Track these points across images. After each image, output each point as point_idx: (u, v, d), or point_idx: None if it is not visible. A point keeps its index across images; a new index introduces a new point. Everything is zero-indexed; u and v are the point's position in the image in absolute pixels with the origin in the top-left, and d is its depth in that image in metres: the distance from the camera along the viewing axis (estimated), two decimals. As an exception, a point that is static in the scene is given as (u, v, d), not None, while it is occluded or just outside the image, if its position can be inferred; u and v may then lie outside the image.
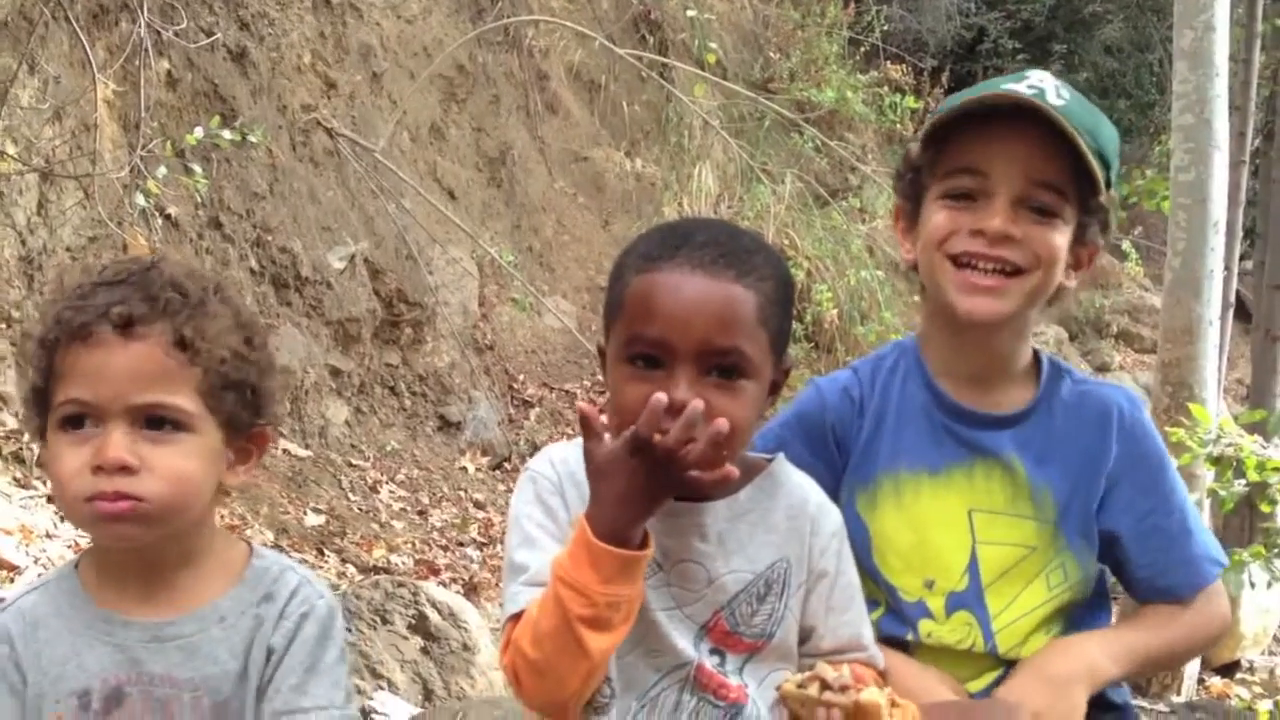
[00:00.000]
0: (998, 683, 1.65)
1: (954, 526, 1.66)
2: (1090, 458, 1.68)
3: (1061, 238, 1.62)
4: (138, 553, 1.36)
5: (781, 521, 1.49)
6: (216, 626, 1.37)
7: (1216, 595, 1.72)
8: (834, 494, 1.65)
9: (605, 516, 1.30)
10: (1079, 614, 1.71)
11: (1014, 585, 1.66)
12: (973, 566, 1.66)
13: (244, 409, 1.38)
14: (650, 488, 1.31)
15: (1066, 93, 1.62)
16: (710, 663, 1.45)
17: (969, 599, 1.65)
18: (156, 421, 1.32)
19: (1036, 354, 1.75)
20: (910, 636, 1.66)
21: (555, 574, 1.32)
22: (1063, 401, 1.70)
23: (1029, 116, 1.59)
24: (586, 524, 1.30)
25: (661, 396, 1.29)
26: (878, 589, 1.67)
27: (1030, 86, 1.61)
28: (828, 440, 1.69)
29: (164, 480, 1.31)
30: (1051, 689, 1.57)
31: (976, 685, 1.66)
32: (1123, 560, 1.71)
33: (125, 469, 1.29)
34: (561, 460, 1.47)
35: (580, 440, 1.46)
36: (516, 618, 1.39)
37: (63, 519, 3.17)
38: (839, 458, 1.69)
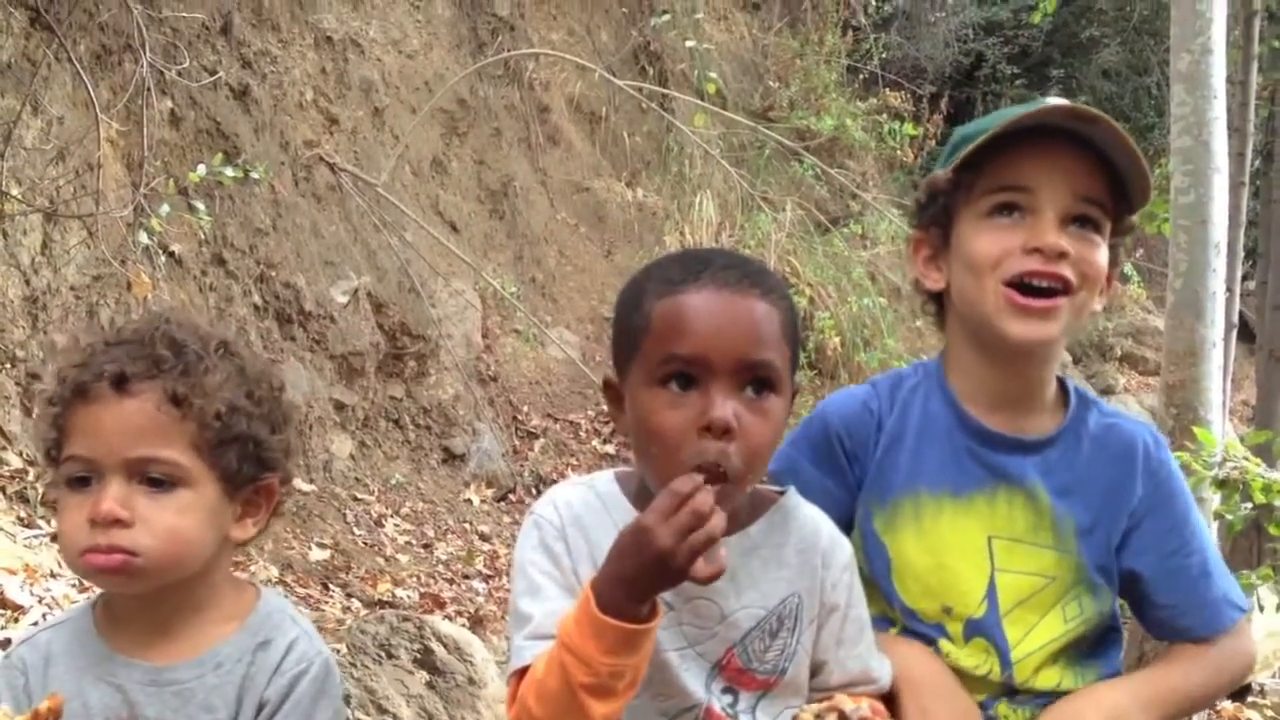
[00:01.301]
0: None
1: (973, 553, 1.64)
2: (1115, 493, 1.66)
3: (1103, 255, 1.61)
4: (142, 598, 1.38)
5: (793, 556, 1.47)
6: (213, 673, 1.39)
7: (1241, 635, 1.70)
8: (849, 511, 1.65)
9: (613, 589, 1.27)
10: (1092, 647, 1.69)
11: (1031, 615, 1.64)
12: (991, 594, 1.64)
13: (245, 463, 1.39)
14: (655, 574, 1.27)
15: None
16: (722, 703, 1.43)
17: (987, 626, 1.64)
18: (155, 478, 1.34)
19: (1062, 382, 1.73)
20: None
21: (560, 638, 1.30)
22: (1090, 432, 1.68)
23: (1067, 135, 1.59)
24: (592, 595, 1.27)
25: (680, 486, 1.26)
26: (893, 610, 1.66)
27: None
28: (836, 454, 1.67)
29: (158, 535, 1.33)
30: (1103, 716, 1.55)
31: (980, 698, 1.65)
32: (1142, 599, 1.69)
33: (118, 522, 1.32)
34: (565, 503, 1.46)
35: (584, 480, 1.47)
36: (522, 672, 1.37)
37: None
38: (851, 472, 1.67)
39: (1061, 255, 1.57)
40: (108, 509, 1.31)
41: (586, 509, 1.43)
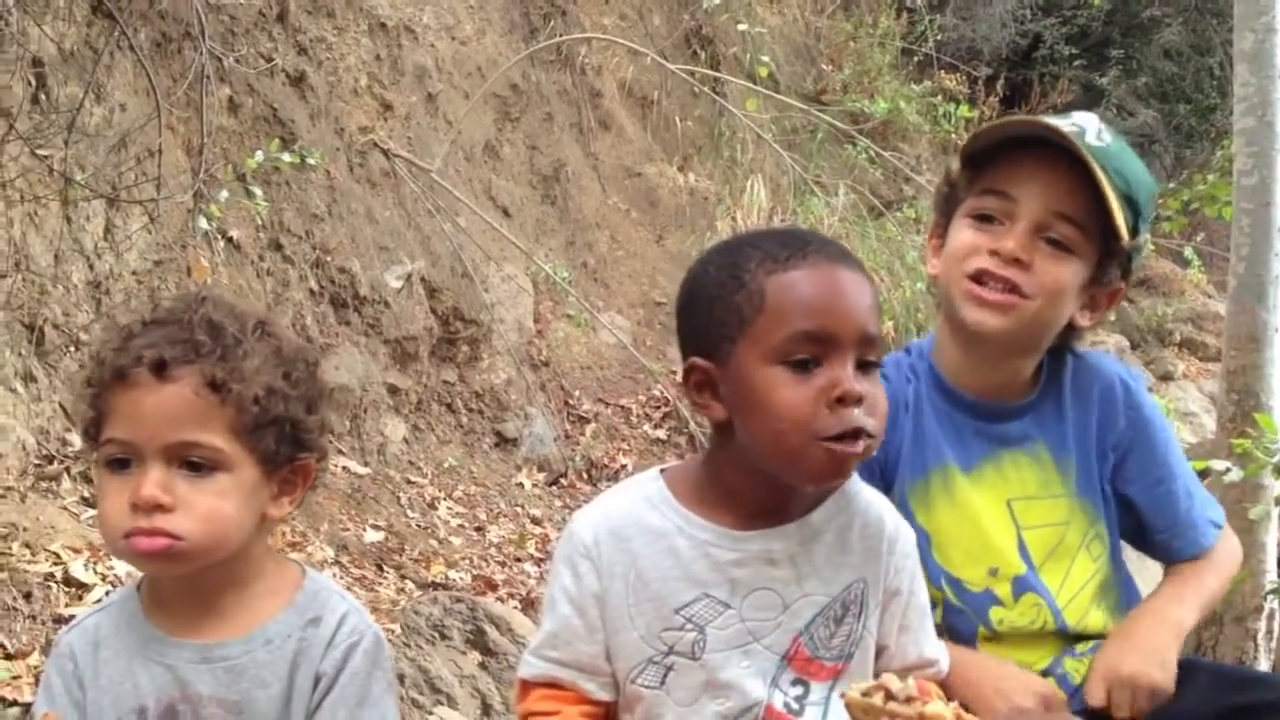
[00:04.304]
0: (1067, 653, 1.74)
1: (998, 518, 1.74)
2: (1101, 429, 1.79)
3: (1072, 274, 1.70)
4: (185, 578, 1.41)
5: (857, 542, 1.47)
6: (263, 649, 1.41)
7: (1226, 541, 1.86)
8: None
9: None
10: (1121, 582, 1.82)
11: (1062, 562, 1.75)
12: (1023, 552, 1.74)
13: (283, 444, 1.41)
14: None
15: (1109, 136, 1.70)
16: (790, 695, 1.43)
17: (1030, 580, 1.73)
18: (194, 462, 1.36)
19: None
20: (981, 628, 1.71)
21: None
22: (1068, 377, 1.80)
23: (1062, 151, 1.66)
24: None
25: None
26: (934, 589, 1.70)
27: (1072, 125, 1.69)
28: None
29: (199, 519, 1.35)
30: (1143, 655, 1.66)
31: (1045, 663, 1.73)
32: (1140, 527, 1.82)
33: (160, 507, 1.34)
34: (603, 515, 1.46)
35: (629, 484, 1.49)
36: (524, 684, 1.45)
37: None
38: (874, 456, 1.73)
39: (1015, 261, 1.66)
40: (150, 494, 1.33)
41: (627, 518, 1.44)
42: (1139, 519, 1.81)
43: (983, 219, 1.71)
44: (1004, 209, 1.69)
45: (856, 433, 1.34)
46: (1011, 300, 1.67)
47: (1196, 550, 1.81)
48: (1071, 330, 1.77)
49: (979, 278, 1.68)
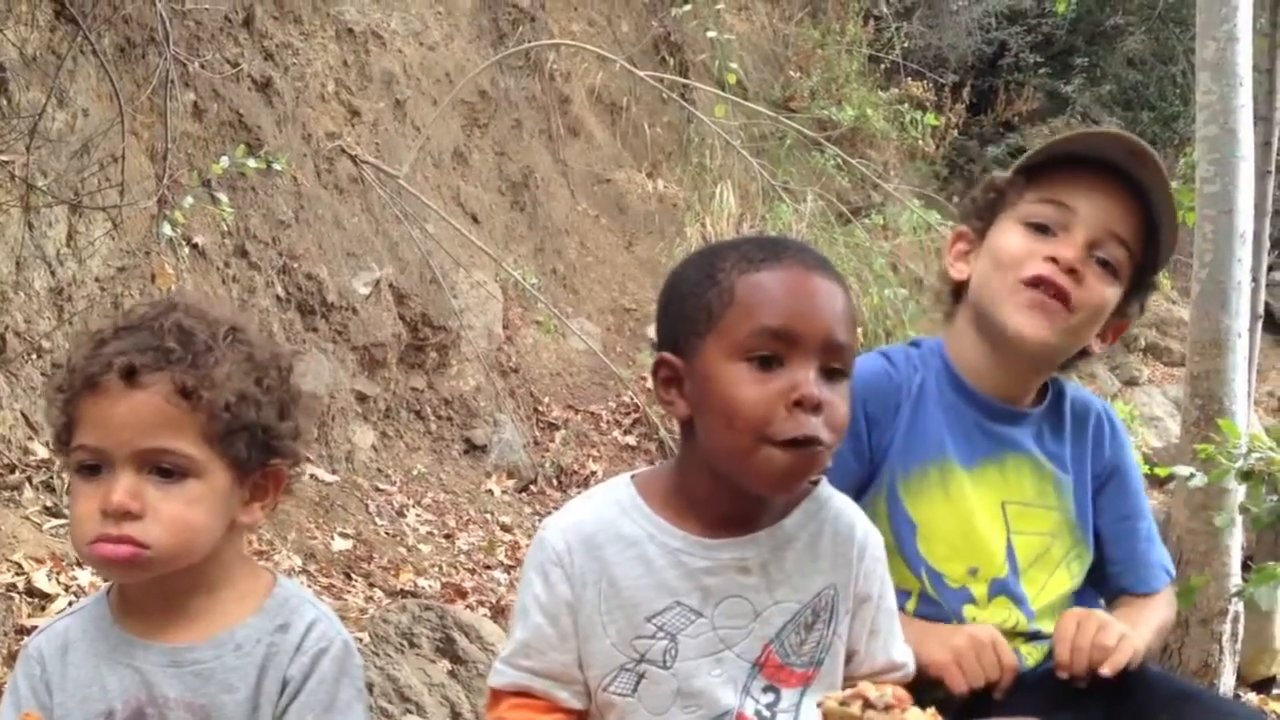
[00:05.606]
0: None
1: (991, 518, 1.75)
2: (1091, 457, 1.83)
3: (1116, 295, 1.74)
4: (155, 582, 1.40)
5: (828, 548, 1.47)
6: (232, 654, 1.40)
7: (1168, 594, 1.90)
8: (857, 478, 1.71)
9: None
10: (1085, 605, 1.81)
11: (1043, 572, 1.77)
12: (1010, 555, 1.75)
13: (254, 449, 1.41)
14: None
15: None
16: (761, 703, 1.43)
17: (1009, 584, 1.74)
18: (165, 469, 1.35)
19: None
20: (954, 622, 1.71)
21: None
22: (1068, 404, 1.84)
23: (1124, 178, 1.71)
24: None
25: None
26: (913, 577, 1.72)
27: None
28: (857, 418, 1.70)
29: (166, 527, 1.35)
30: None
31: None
32: (1099, 559, 1.85)
33: (129, 514, 1.34)
34: (575, 524, 1.44)
35: (600, 490, 1.47)
36: (496, 692, 1.44)
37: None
38: (869, 438, 1.73)
39: (1072, 271, 1.69)
40: (119, 501, 1.33)
41: (599, 525, 1.43)
42: (1099, 550, 1.85)
43: (1036, 228, 1.73)
44: (1061, 220, 1.71)
45: (809, 440, 1.32)
46: (1060, 310, 1.70)
47: (1146, 589, 1.85)
48: (1082, 354, 1.81)
49: (1035, 283, 1.70)
